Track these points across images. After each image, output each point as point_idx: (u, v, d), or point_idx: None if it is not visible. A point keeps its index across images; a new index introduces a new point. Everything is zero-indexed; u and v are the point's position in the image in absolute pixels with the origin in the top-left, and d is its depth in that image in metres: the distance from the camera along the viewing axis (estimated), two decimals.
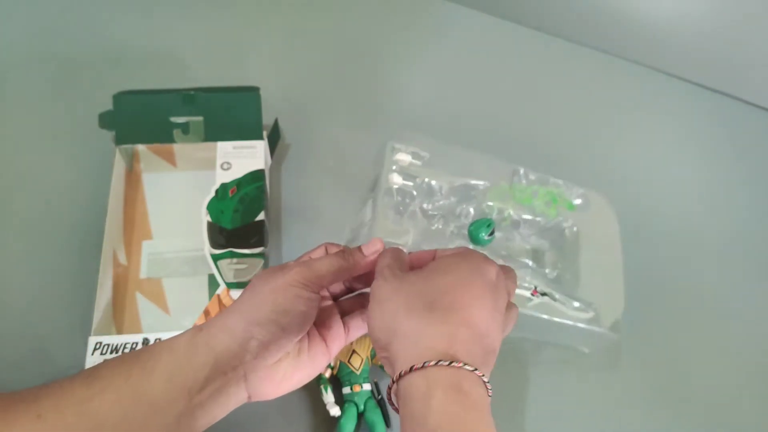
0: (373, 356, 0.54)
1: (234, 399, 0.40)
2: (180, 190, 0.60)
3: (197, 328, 0.40)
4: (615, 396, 0.58)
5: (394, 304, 0.38)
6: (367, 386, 0.53)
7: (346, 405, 0.52)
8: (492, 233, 0.56)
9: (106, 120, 0.58)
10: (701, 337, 0.61)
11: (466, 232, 0.57)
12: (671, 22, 0.73)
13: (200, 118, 0.59)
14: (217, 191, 0.56)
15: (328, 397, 0.51)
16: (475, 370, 0.35)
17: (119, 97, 0.58)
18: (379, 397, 0.53)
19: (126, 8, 0.74)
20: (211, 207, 0.56)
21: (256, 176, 0.57)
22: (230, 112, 0.59)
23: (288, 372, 0.42)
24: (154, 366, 0.38)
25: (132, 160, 0.60)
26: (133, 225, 0.58)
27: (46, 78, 0.67)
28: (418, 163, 0.57)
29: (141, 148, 0.59)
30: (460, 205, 0.58)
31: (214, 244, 0.54)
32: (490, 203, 0.58)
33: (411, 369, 0.35)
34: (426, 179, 0.57)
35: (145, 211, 0.59)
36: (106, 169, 0.57)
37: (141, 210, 0.59)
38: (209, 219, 0.55)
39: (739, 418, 0.58)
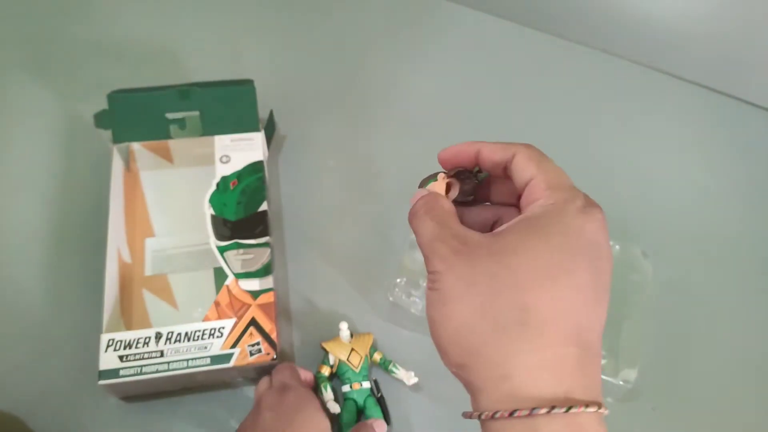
0: (372, 354, 0.54)
1: None
2: (178, 186, 0.60)
3: None
4: None
5: (468, 309, 0.27)
6: (366, 384, 0.53)
7: (346, 402, 0.52)
8: None
9: (101, 119, 0.58)
10: (701, 338, 0.60)
11: None
12: (671, 22, 0.74)
13: (196, 113, 0.59)
14: (218, 184, 0.57)
15: (328, 395, 0.52)
16: (598, 408, 0.26)
17: (114, 96, 0.58)
18: (379, 395, 0.53)
19: (123, 7, 0.74)
20: (214, 200, 0.56)
21: (256, 168, 0.58)
22: (226, 106, 0.60)
23: None
24: None
25: (128, 158, 0.60)
26: (135, 223, 0.58)
27: (43, 78, 0.67)
28: None
29: (136, 146, 0.59)
30: None
31: (220, 236, 0.54)
32: None
33: (511, 414, 0.26)
34: None
35: (145, 209, 0.59)
36: (104, 168, 0.57)
37: (141, 208, 0.59)
38: (212, 212, 0.55)
39: None
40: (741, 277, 0.64)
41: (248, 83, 0.60)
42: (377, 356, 0.55)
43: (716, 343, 0.60)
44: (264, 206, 0.56)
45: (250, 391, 0.53)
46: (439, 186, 0.34)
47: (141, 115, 0.59)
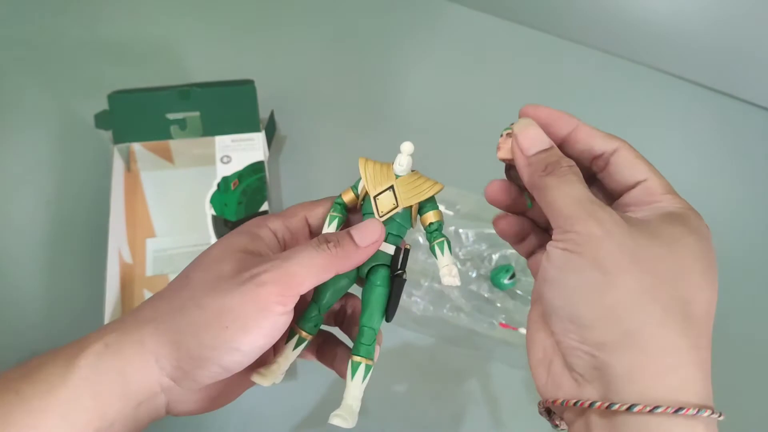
0: (425, 210, 0.34)
1: (146, 422, 0.30)
2: (179, 186, 0.60)
3: (102, 345, 0.28)
4: None
5: (636, 284, 0.25)
6: (387, 247, 0.34)
7: None
8: (513, 277, 0.57)
9: (102, 120, 0.58)
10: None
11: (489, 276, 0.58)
12: (671, 22, 0.74)
13: (197, 113, 0.59)
14: (219, 185, 0.57)
15: (329, 230, 0.35)
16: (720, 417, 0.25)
17: (114, 97, 0.58)
18: (398, 272, 0.34)
19: (123, 7, 0.74)
20: (215, 200, 0.56)
21: (257, 168, 0.58)
22: (227, 106, 0.60)
23: (223, 390, 0.32)
24: (41, 404, 0.27)
25: (128, 159, 0.60)
26: (135, 223, 0.58)
27: (44, 78, 0.67)
28: (451, 213, 0.60)
29: (137, 147, 0.59)
30: (489, 251, 0.59)
31: (221, 236, 0.54)
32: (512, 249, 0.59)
33: (677, 411, 0.24)
34: (453, 227, 0.59)
35: (146, 210, 0.59)
36: (105, 169, 0.57)
37: (142, 208, 0.59)
38: (213, 212, 0.55)
39: None
40: (741, 277, 0.64)
41: (248, 83, 0.60)
42: (431, 217, 0.34)
43: (716, 343, 0.60)
44: (265, 206, 0.56)
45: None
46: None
47: (141, 115, 0.59)
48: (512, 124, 0.32)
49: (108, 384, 0.28)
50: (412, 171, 0.34)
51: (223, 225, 0.55)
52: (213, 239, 0.54)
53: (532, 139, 0.29)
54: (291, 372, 0.53)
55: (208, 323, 0.28)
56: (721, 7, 0.71)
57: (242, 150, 0.58)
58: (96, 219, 0.56)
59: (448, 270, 0.33)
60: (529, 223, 0.34)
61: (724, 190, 0.70)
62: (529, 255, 0.35)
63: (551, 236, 0.31)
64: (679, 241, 0.26)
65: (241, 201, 0.56)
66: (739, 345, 0.60)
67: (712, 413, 0.24)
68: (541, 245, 0.33)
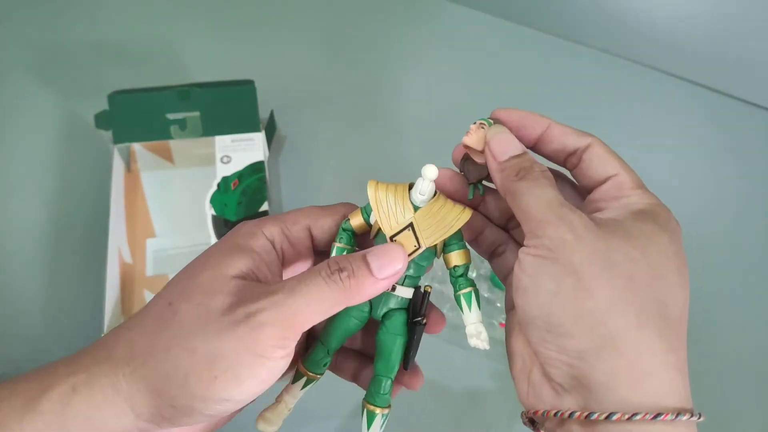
0: (450, 249, 0.30)
1: None
2: (179, 186, 0.60)
3: (69, 387, 0.26)
4: None
5: (610, 290, 0.24)
6: (405, 291, 0.31)
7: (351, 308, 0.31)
8: None
9: (102, 120, 0.58)
10: (700, 337, 0.60)
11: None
12: (671, 22, 0.74)
13: (197, 114, 0.59)
14: (219, 185, 0.57)
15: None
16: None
17: (114, 97, 0.58)
18: (419, 318, 0.31)
19: (123, 7, 0.74)
20: (215, 200, 0.56)
21: (257, 168, 0.58)
22: (226, 106, 0.60)
23: (211, 425, 0.30)
24: None
25: (129, 159, 0.60)
26: (135, 223, 0.58)
27: (44, 79, 0.67)
28: None
29: (137, 147, 0.59)
30: None
31: (221, 236, 0.54)
32: None
33: (656, 417, 0.23)
34: None
35: (146, 210, 0.59)
36: (105, 169, 0.57)
37: (142, 208, 0.59)
38: (213, 212, 0.55)
39: None
40: (740, 277, 0.64)
41: (248, 83, 0.60)
42: (455, 259, 0.30)
43: (716, 343, 0.60)
44: (265, 206, 0.56)
45: None
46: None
47: (141, 115, 0.59)
48: (489, 118, 0.31)
49: (75, 429, 0.25)
50: (435, 195, 0.30)
51: (223, 225, 0.55)
52: (213, 239, 0.54)
53: (505, 145, 0.29)
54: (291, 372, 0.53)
55: (197, 371, 0.25)
56: (721, 7, 0.71)
57: (242, 150, 0.59)
58: (96, 219, 0.56)
59: (475, 330, 0.29)
60: (481, 216, 0.33)
61: (724, 191, 0.70)
62: (490, 256, 0.33)
63: (507, 231, 0.31)
64: (652, 240, 0.26)
65: (241, 201, 0.56)
66: (740, 345, 0.60)
67: (691, 416, 0.24)
68: (500, 243, 0.32)
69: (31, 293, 0.56)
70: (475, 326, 0.29)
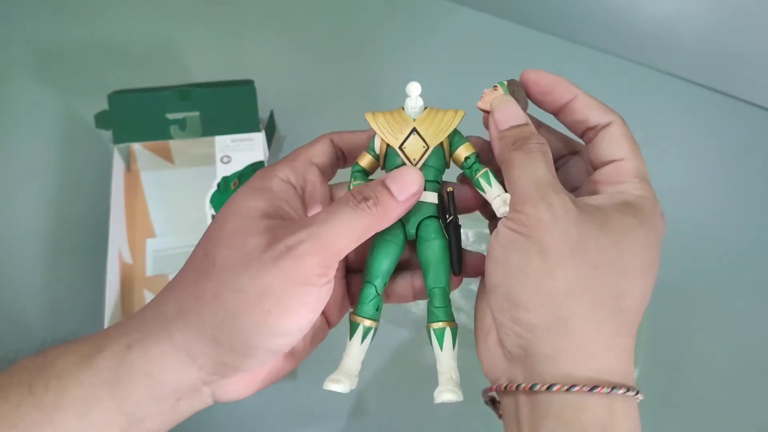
0: (455, 145, 0.32)
1: (189, 413, 0.30)
2: (179, 186, 0.60)
3: (123, 346, 0.27)
4: None
5: (573, 274, 0.25)
6: (430, 196, 0.31)
7: (385, 231, 0.30)
8: None
9: (102, 120, 0.58)
10: (700, 337, 0.60)
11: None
12: (671, 22, 0.73)
13: (196, 114, 0.59)
14: (219, 185, 0.57)
15: None
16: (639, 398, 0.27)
17: (114, 97, 0.58)
18: (449, 219, 0.31)
19: (123, 7, 0.74)
20: (215, 200, 0.56)
21: (257, 168, 0.58)
22: (226, 106, 0.60)
23: (274, 367, 0.30)
24: (54, 400, 0.26)
25: (128, 159, 0.60)
26: (135, 223, 0.58)
27: (44, 78, 0.67)
28: None
29: (137, 147, 0.59)
30: None
31: None
32: None
33: (592, 389, 0.25)
34: None
35: (146, 210, 0.59)
36: (105, 169, 0.57)
37: (142, 208, 0.59)
38: (213, 212, 0.55)
39: None
40: (741, 277, 0.64)
41: (248, 83, 0.60)
42: (464, 151, 0.31)
43: (716, 343, 0.60)
44: None
45: None
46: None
47: (141, 115, 0.59)
48: (505, 81, 0.32)
49: (134, 386, 0.26)
50: (424, 108, 0.32)
51: None
52: None
53: (508, 114, 0.29)
54: (291, 372, 0.53)
55: (249, 309, 0.25)
56: (721, 7, 0.70)
57: (242, 150, 0.59)
58: (96, 219, 0.56)
59: (501, 200, 0.29)
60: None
61: (723, 190, 0.70)
62: (490, 217, 0.33)
63: None
64: (625, 233, 0.26)
65: None
66: (740, 344, 0.60)
67: (628, 391, 0.25)
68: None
69: (30, 293, 0.56)
70: (500, 198, 0.29)
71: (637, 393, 0.26)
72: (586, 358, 0.25)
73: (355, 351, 0.31)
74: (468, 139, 0.32)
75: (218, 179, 0.57)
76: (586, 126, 0.30)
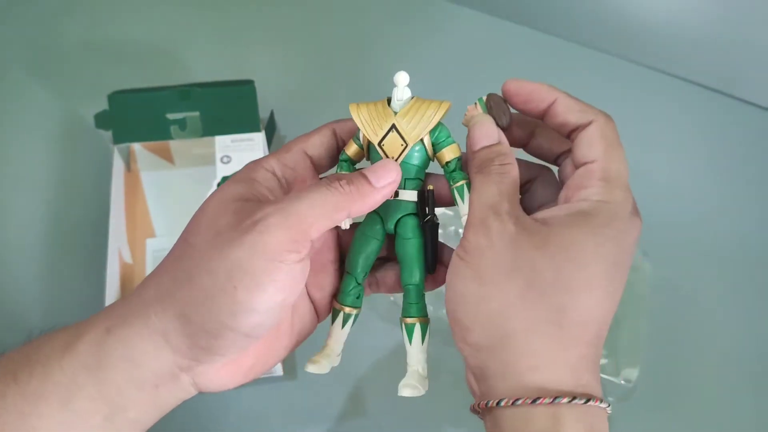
0: (439, 143, 0.31)
1: (172, 403, 0.29)
2: (179, 186, 0.60)
3: (103, 330, 0.27)
4: None
5: (506, 296, 0.26)
6: (409, 194, 0.31)
7: (367, 218, 0.32)
8: None
9: (102, 120, 0.58)
10: (700, 337, 0.60)
11: None
12: (671, 22, 0.73)
13: (197, 114, 0.59)
14: (219, 185, 0.57)
15: None
16: (608, 405, 0.27)
17: (114, 97, 0.58)
18: (427, 219, 0.31)
19: (123, 7, 0.74)
20: None
21: None
22: (226, 106, 0.60)
23: (258, 357, 0.29)
24: (38, 389, 0.26)
25: (128, 159, 0.60)
26: (135, 224, 0.58)
27: (44, 79, 0.67)
28: (450, 213, 0.59)
29: (137, 147, 0.59)
30: None
31: None
32: None
33: (534, 401, 0.25)
34: (453, 228, 0.59)
35: (146, 210, 0.59)
36: (105, 169, 0.57)
37: (142, 208, 0.59)
38: None
39: None
40: (741, 277, 0.64)
41: (248, 83, 0.60)
42: (447, 154, 0.31)
43: (716, 343, 0.60)
44: None
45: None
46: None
47: (141, 115, 0.59)
48: (487, 95, 0.32)
49: (113, 371, 0.26)
50: (411, 98, 0.31)
51: None
52: None
53: (480, 135, 0.30)
54: (291, 372, 0.53)
55: (218, 287, 0.25)
56: (721, 7, 0.70)
57: (242, 150, 0.59)
58: (96, 219, 0.56)
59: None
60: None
61: (723, 190, 0.70)
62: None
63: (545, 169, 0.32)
64: (568, 249, 0.26)
65: None
66: (741, 345, 0.60)
67: (574, 399, 0.25)
68: (529, 180, 0.33)
69: (30, 293, 0.56)
70: (466, 217, 0.29)
71: (588, 401, 0.26)
72: (531, 372, 0.26)
73: (337, 334, 0.32)
74: (452, 140, 0.31)
75: (218, 179, 0.57)
76: (568, 128, 0.30)
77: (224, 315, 0.26)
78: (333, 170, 0.34)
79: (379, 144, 0.30)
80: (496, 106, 0.31)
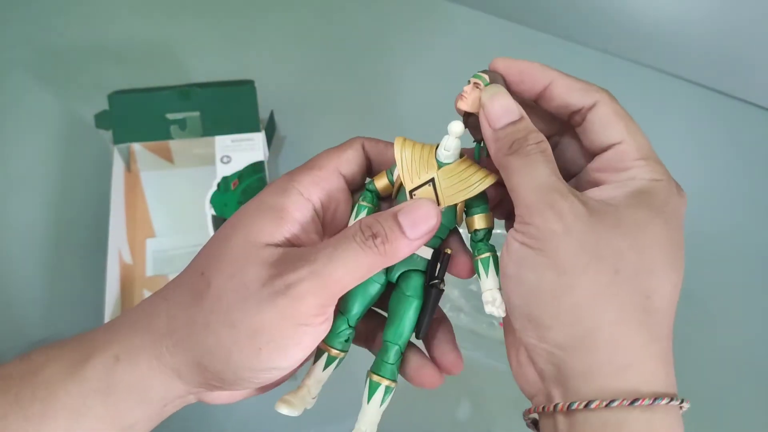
0: (474, 211, 0.29)
1: (175, 410, 0.29)
2: (179, 186, 0.60)
3: (111, 358, 0.26)
4: None
5: (593, 285, 0.24)
6: (424, 250, 0.29)
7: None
8: None
9: (102, 120, 0.58)
10: (700, 337, 0.60)
11: None
12: (672, 22, 0.73)
13: (197, 114, 0.59)
14: (219, 185, 0.57)
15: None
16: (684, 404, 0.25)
17: (114, 97, 0.58)
18: (434, 281, 0.29)
19: (123, 7, 0.74)
20: (215, 200, 0.56)
21: (257, 168, 0.58)
22: (226, 106, 0.60)
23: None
24: (42, 410, 0.25)
25: (128, 159, 0.60)
26: (135, 224, 0.58)
27: (44, 79, 0.67)
28: None
29: (137, 147, 0.59)
30: None
31: None
32: None
33: (632, 402, 0.23)
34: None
35: (146, 210, 0.59)
36: (105, 169, 0.57)
37: (142, 208, 0.59)
38: (213, 212, 0.55)
39: None
40: (741, 277, 0.64)
41: (248, 83, 0.60)
42: (477, 222, 0.29)
43: (716, 343, 0.60)
44: None
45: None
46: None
47: (141, 115, 0.59)
48: (482, 72, 0.29)
49: (123, 396, 0.26)
50: (461, 158, 0.28)
51: None
52: None
53: (501, 110, 0.27)
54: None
55: (240, 345, 0.24)
56: (722, 7, 0.70)
57: (242, 150, 0.59)
58: (96, 219, 0.56)
59: (491, 297, 0.28)
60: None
61: (723, 190, 0.70)
62: (505, 216, 0.31)
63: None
64: (642, 229, 0.24)
65: (241, 201, 0.56)
66: (743, 345, 0.60)
67: (671, 401, 0.24)
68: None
69: (30, 293, 0.56)
70: (491, 293, 0.28)
71: (682, 401, 0.24)
72: (621, 370, 0.24)
73: (318, 375, 0.30)
74: (487, 209, 0.29)
75: (218, 179, 0.57)
76: (569, 110, 0.28)
77: (244, 370, 0.25)
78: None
79: (411, 191, 0.28)
80: (497, 82, 0.29)
